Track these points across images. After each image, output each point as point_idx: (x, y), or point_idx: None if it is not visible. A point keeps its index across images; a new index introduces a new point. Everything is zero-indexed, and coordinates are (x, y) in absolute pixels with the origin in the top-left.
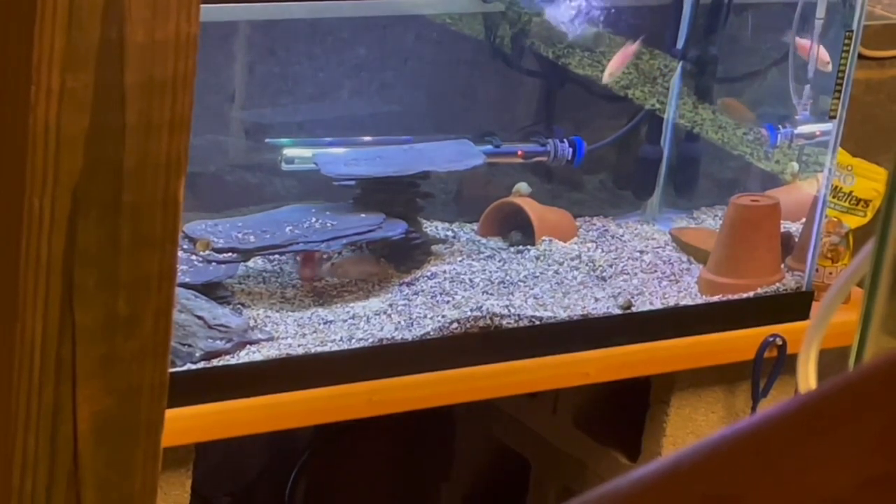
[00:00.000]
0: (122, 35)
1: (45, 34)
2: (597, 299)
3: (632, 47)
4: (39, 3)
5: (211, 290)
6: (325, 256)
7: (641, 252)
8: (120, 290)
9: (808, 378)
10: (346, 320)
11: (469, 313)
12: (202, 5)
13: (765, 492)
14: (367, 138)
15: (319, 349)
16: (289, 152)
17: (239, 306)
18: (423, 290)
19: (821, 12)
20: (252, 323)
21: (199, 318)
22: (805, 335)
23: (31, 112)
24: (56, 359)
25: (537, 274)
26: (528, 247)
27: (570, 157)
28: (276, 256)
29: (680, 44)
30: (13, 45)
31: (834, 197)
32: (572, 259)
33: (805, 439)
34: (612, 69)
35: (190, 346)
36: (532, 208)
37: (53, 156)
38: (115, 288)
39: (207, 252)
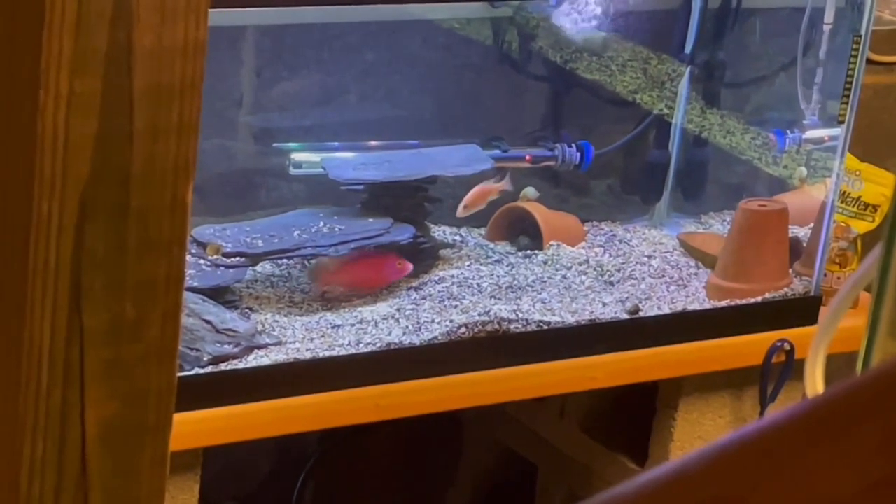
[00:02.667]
0: (131, 40)
1: (53, 38)
2: (604, 304)
3: (494, 186)
4: (48, 8)
5: (219, 295)
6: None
7: (649, 257)
8: (127, 293)
9: (815, 383)
10: (353, 325)
11: (477, 318)
12: (210, 10)
13: (771, 494)
14: (375, 143)
15: (327, 353)
16: (297, 156)
17: (247, 311)
18: (430, 295)
19: (829, 17)
20: (260, 327)
21: (207, 322)
22: (813, 340)
23: (39, 116)
24: (64, 363)
25: (545, 278)
26: (536, 251)
27: (577, 162)
28: (284, 261)
29: (688, 48)
30: (21, 49)
31: (842, 202)
32: (580, 264)
33: (811, 443)
34: (468, 202)
35: (198, 350)
36: (540, 213)
37: (61, 160)
38: (122, 292)
39: (216, 256)
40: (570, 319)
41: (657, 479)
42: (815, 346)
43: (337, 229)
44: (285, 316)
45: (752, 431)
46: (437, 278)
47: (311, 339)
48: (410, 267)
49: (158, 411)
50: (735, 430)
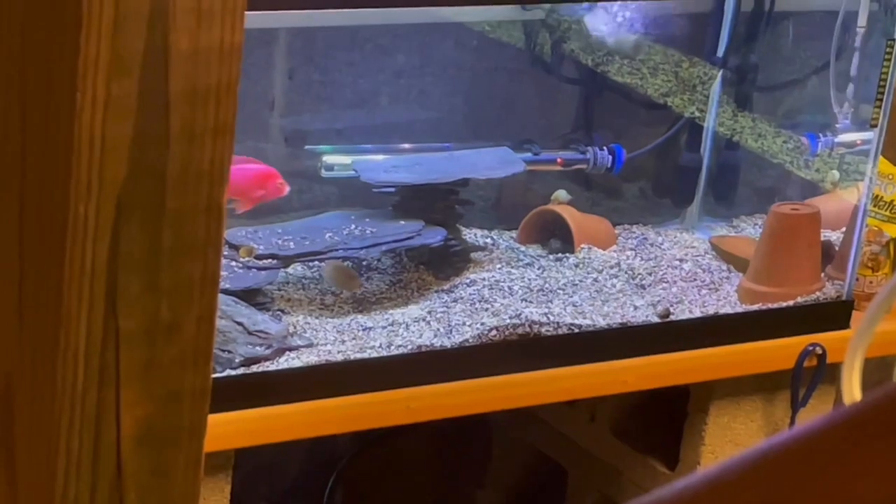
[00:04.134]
0: (167, 43)
1: (90, 42)
2: (636, 307)
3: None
4: (85, 11)
5: (251, 297)
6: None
7: (681, 260)
8: (163, 296)
9: (852, 389)
10: (385, 327)
11: (508, 321)
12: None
13: (811, 501)
14: (407, 145)
15: (358, 356)
16: (328, 159)
17: (278, 312)
18: (462, 298)
19: (862, 21)
20: (291, 329)
21: (239, 324)
22: (849, 345)
23: (76, 119)
24: (99, 364)
25: (576, 282)
26: (568, 254)
27: (609, 165)
28: (316, 263)
29: (720, 51)
30: (59, 52)
31: (874, 206)
32: (611, 267)
33: (851, 449)
34: None
35: (230, 352)
36: (571, 216)
37: (98, 162)
38: (158, 294)
39: (249, 258)
40: (602, 323)
41: (696, 486)
42: (851, 351)
43: (368, 232)
44: (317, 318)
45: (791, 437)
46: (468, 281)
47: (343, 342)
48: (287, 188)
49: (193, 413)
50: (766, 435)
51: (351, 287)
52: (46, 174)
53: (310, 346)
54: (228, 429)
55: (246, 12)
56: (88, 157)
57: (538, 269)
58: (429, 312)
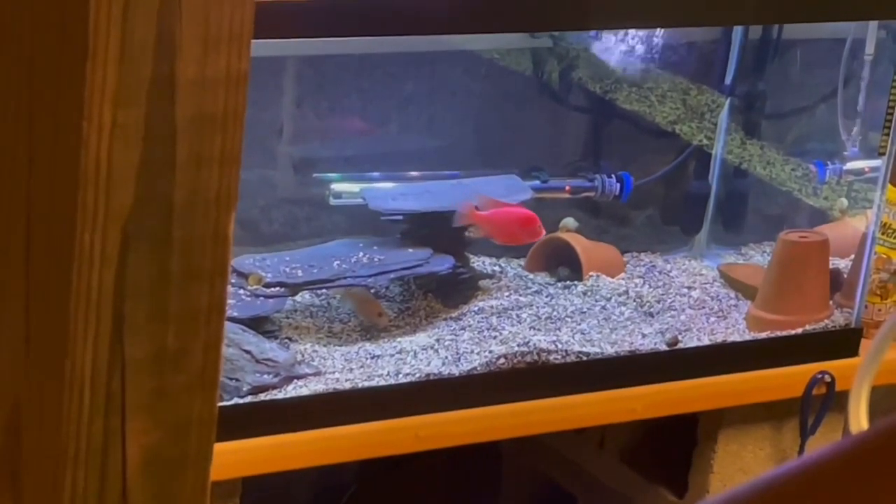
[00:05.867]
0: (174, 71)
1: (97, 70)
2: (644, 335)
3: None
4: (92, 39)
5: (258, 325)
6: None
7: (689, 288)
8: (170, 323)
9: (859, 417)
10: (393, 355)
11: (516, 348)
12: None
13: None
14: (415, 173)
15: (366, 384)
16: (336, 187)
17: (286, 340)
18: (470, 325)
19: (870, 48)
20: (299, 357)
21: (247, 352)
22: (856, 374)
23: (82, 147)
24: (105, 392)
25: (584, 309)
26: (576, 282)
27: (617, 193)
28: (324, 291)
29: (728, 79)
30: (65, 80)
31: (883, 233)
32: (620, 295)
33: (858, 479)
34: None
35: (237, 380)
36: (579, 244)
37: (104, 190)
38: (164, 322)
39: (258, 286)
40: (610, 350)
41: None
42: (858, 380)
43: (376, 259)
44: (324, 346)
45: (798, 466)
46: (476, 309)
47: (351, 370)
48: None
49: (200, 441)
50: (776, 463)
51: (378, 323)
52: (53, 202)
53: (317, 374)
54: (236, 457)
55: (253, 40)
56: (95, 185)
57: (546, 296)
58: (437, 340)
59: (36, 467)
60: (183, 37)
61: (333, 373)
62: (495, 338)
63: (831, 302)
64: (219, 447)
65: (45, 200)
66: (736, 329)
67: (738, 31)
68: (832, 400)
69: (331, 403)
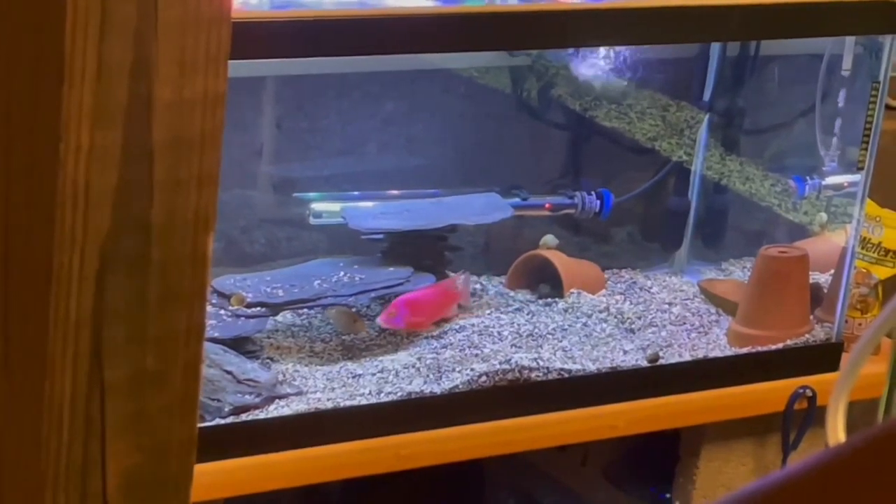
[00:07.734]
0: (150, 93)
1: (73, 92)
2: (625, 351)
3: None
4: (68, 61)
5: (240, 345)
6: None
7: (670, 304)
8: (148, 345)
9: (836, 430)
10: (374, 374)
11: (498, 366)
12: (229, 61)
13: None
14: (395, 192)
15: (348, 403)
16: (317, 206)
17: (268, 361)
18: (451, 344)
19: (847, 64)
20: (281, 377)
21: (228, 372)
22: (834, 387)
23: (59, 169)
24: (85, 415)
25: (566, 326)
26: (557, 299)
27: (597, 210)
28: (305, 311)
29: (707, 96)
30: (42, 102)
31: (862, 248)
32: (600, 311)
33: (836, 491)
34: None
35: (219, 400)
36: (560, 261)
37: (82, 212)
38: (143, 344)
39: (239, 307)
40: (591, 367)
41: None
42: (835, 393)
43: (357, 278)
44: (306, 366)
45: (775, 481)
46: (457, 327)
47: (332, 389)
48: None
49: (180, 463)
50: (758, 478)
51: (355, 330)
52: (30, 224)
53: (299, 393)
54: (217, 478)
55: (231, 61)
56: (72, 207)
57: (527, 314)
58: (418, 359)
59: (16, 490)
60: (159, 59)
61: (315, 392)
62: (477, 356)
63: (812, 317)
64: (200, 468)
65: (23, 223)
66: (717, 345)
67: (716, 47)
68: (814, 414)
69: (312, 423)
